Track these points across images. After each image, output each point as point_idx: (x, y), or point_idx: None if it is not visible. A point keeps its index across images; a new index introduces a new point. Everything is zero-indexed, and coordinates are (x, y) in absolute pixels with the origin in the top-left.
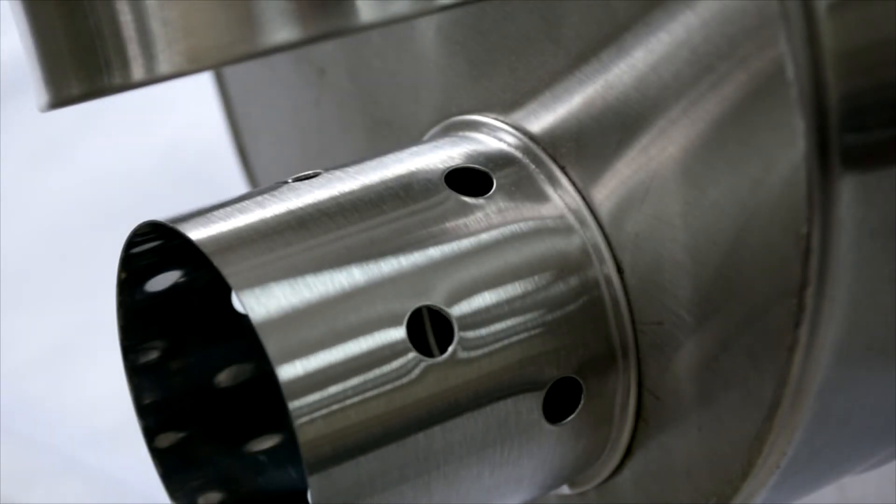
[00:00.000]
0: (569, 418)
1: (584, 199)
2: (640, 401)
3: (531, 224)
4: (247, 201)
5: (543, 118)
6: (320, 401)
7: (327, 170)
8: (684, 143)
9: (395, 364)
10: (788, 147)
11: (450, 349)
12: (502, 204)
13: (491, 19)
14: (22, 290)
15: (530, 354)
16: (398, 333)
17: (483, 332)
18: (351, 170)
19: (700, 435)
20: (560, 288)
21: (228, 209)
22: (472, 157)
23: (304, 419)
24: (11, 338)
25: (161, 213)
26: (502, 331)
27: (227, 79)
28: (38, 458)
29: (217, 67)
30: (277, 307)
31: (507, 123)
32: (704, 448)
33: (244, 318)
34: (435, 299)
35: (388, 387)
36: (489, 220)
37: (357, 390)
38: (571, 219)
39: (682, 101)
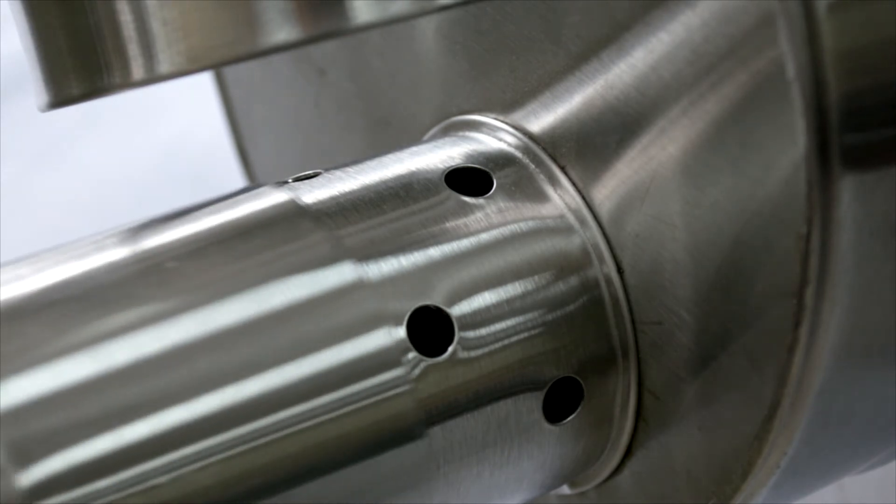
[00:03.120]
0: (569, 418)
1: (584, 198)
2: (640, 401)
3: (531, 224)
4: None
5: (543, 118)
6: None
7: (327, 170)
8: (684, 142)
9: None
10: (788, 147)
11: (450, 349)
12: (502, 204)
13: (491, 19)
14: None
15: (530, 354)
16: (399, 333)
17: (483, 331)
18: (351, 170)
19: (700, 435)
20: (560, 288)
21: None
22: (472, 156)
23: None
24: None
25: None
26: (502, 331)
27: (228, 79)
28: None
29: (217, 67)
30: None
31: (507, 123)
32: (704, 448)
33: None
34: (435, 299)
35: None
36: (489, 219)
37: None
38: (571, 218)
39: (683, 101)
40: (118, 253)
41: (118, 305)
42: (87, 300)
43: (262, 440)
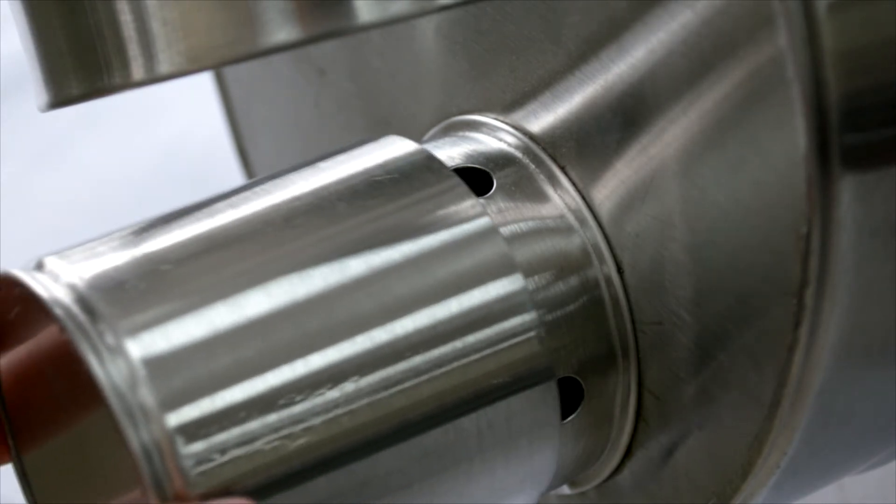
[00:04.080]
0: (569, 418)
1: (584, 198)
2: (640, 401)
3: (531, 224)
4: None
5: (543, 118)
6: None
7: None
8: (684, 142)
9: None
10: (788, 146)
11: None
12: (502, 204)
13: (491, 19)
14: None
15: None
16: None
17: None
18: None
19: (700, 435)
20: (560, 288)
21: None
22: (472, 156)
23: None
24: None
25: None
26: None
27: (228, 79)
28: None
29: (217, 67)
30: None
31: (507, 123)
32: (704, 448)
33: None
34: None
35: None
36: None
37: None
38: (571, 218)
39: (682, 101)
40: (245, 210)
41: (254, 258)
42: (226, 252)
43: (407, 383)
